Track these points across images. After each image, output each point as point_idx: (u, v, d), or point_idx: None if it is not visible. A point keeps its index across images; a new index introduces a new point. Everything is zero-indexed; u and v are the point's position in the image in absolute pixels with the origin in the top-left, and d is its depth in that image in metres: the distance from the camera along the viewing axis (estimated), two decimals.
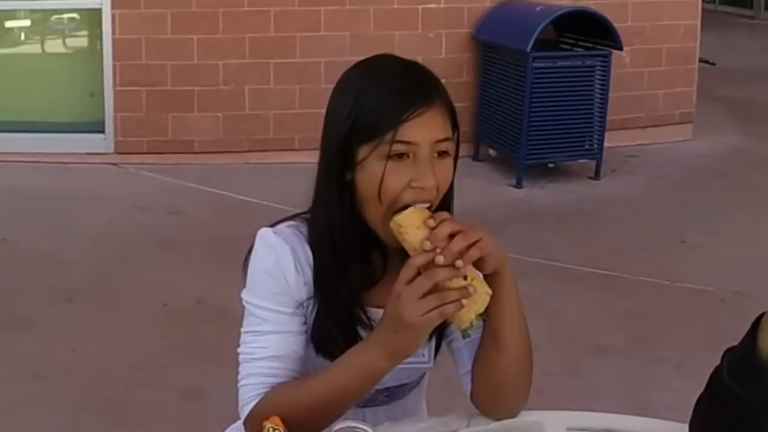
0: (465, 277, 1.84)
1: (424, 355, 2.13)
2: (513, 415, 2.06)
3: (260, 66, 7.74)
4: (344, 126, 1.93)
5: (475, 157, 8.16)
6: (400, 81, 1.94)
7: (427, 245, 1.82)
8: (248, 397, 2.00)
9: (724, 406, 1.85)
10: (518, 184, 7.67)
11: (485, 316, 1.90)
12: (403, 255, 1.89)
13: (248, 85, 7.75)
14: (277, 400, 1.95)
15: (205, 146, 7.75)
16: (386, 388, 2.16)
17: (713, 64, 11.78)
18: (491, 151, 8.19)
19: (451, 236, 1.84)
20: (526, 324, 2.04)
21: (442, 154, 1.93)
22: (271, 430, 1.76)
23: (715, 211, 7.31)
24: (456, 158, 2.00)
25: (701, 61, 9.61)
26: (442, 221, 1.86)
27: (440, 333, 2.09)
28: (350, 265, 2.01)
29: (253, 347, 2.01)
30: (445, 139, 1.93)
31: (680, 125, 9.11)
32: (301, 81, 7.70)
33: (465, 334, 1.93)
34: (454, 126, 1.98)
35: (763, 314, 1.79)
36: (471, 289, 1.83)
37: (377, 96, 1.92)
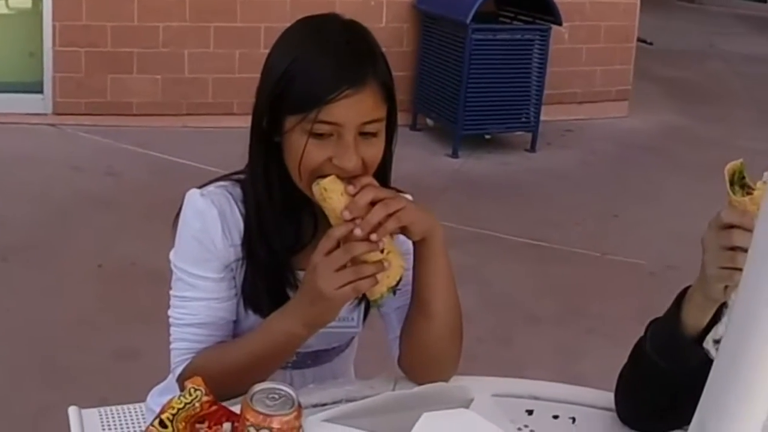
0: (382, 250, 1.84)
1: (353, 320, 2.15)
2: (425, 381, 2.03)
3: (200, 29, 7.70)
4: (274, 91, 1.92)
5: (413, 127, 8.19)
6: (336, 56, 1.90)
7: (347, 215, 1.82)
8: (177, 361, 2.04)
9: (646, 377, 1.90)
10: (454, 154, 7.72)
11: (398, 288, 1.91)
12: None
13: (188, 48, 7.71)
14: (203, 365, 1.98)
15: (143, 109, 7.69)
16: (314, 351, 2.18)
17: (651, 44, 11.89)
18: (429, 121, 8.23)
19: (374, 204, 1.84)
20: (455, 291, 2.04)
21: (368, 135, 1.90)
22: (192, 390, 1.77)
23: (649, 186, 7.40)
24: (394, 129, 1.99)
25: (639, 40, 9.71)
26: (363, 187, 1.86)
27: (369, 304, 2.10)
28: (278, 227, 2.01)
29: (181, 313, 2.04)
30: (374, 121, 1.90)
31: (616, 102, 9.20)
32: (241, 45, 7.69)
33: (375, 304, 1.96)
34: (391, 98, 1.95)
35: (687, 288, 1.82)
36: (386, 264, 1.83)
37: (309, 69, 1.89)
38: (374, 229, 1.82)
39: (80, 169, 6.77)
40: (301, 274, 2.00)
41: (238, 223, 2.02)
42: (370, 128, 1.89)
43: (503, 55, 7.74)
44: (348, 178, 1.87)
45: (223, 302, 2.03)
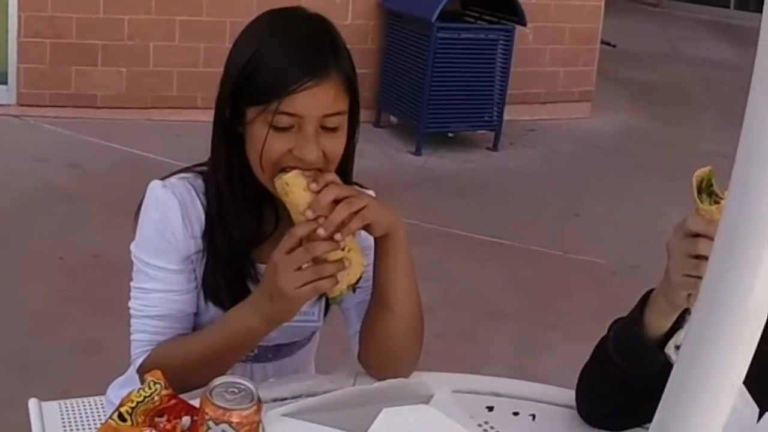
0: (343, 249, 1.82)
1: (313, 314, 2.15)
2: (385, 376, 2.04)
3: (166, 22, 7.68)
4: (236, 82, 1.92)
5: (377, 124, 8.21)
6: (299, 48, 1.90)
7: (309, 214, 1.81)
8: (137, 353, 2.03)
9: (608, 377, 1.90)
10: (417, 152, 7.75)
11: (357, 286, 1.90)
12: None
13: (153, 41, 7.69)
14: (163, 357, 1.98)
15: (107, 101, 7.68)
16: (275, 345, 2.18)
17: (615, 46, 11.98)
18: (392, 118, 8.25)
19: (337, 202, 1.82)
20: (416, 287, 2.03)
21: (330, 129, 1.89)
22: (152, 384, 1.76)
23: (610, 186, 7.46)
24: (356, 124, 1.99)
25: (603, 42, 9.79)
26: (326, 185, 1.84)
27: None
28: (239, 219, 2.00)
29: (141, 304, 2.04)
30: (336, 113, 1.89)
31: (579, 103, 9.26)
32: (206, 39, 7.68)
33: (334, 301, 1.95)
34: (354, 92, 1.95)
35: (651, 290, 1.80)
36: (347, 262, 1.82)
37: (272, 60, 1.89)
38: (338, 229, 1.80)
39: (43, 161, 6.75)
40: (262, 267, 2.00)
41: (199, 215, 2.01)
42: (331, 121, 1.89)
43: (467, 54, 7.78)
44: (311, 175, 1.86)
45: (182, 294, 2.03)
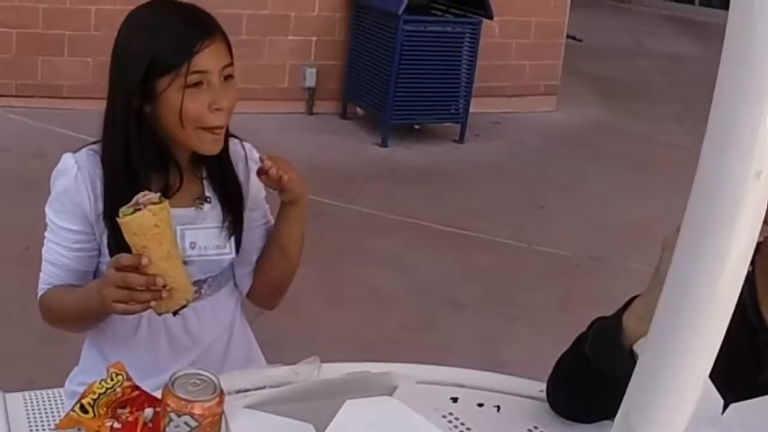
0: (164, 286, 1.94)
1: (226, 248, 2.36)
2: (273, 307, 2.51)
3: None
4: (142, 63, 2.14)
5: (343, 115, 8.17)
6: (186, 20, 2.16)
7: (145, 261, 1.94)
8: (39, 289, 2.32)
9: (581, 373, 1.92)
10: (383, 144, 7.75)
11: (179, 313, 2.08)
12: (196, 165, 2.28)
13: None
14: (48, 300, 2.29)
15: (73, 91, 7.64)
16: (196, 281, 2.31)
17: (580, 40, 12.03)
18: (359, 110, 8.24)
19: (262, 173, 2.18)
20: (303, 238, 2.43)
21: (228, 78, 2.17)
22: (114, 375, 1.78)
23: (574, 179, 7.51)
24: None
25: (569, 36, 9.83)
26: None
27: (239, 235, 2.37)
28: (148, 181, 2.19)
29: (44, 250, 2.30)
30: (230, 64, 2.18)
31: (545, 96, 9.31)
32: None
33: (157, 312, 2.03)
34: (232, 54, 2.21)
35: (636, 297, 1.83)
36: (165, 294, 1.96)
37: (168, 34, 2.14)
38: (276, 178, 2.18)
39: (8, 151, 6.72)
40: None
41: (102, 182, 2.24)
42: (229, 71, 2.18)
43: (434, 46, 7.82)
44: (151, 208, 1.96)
45: (68, 251, 2.26)
